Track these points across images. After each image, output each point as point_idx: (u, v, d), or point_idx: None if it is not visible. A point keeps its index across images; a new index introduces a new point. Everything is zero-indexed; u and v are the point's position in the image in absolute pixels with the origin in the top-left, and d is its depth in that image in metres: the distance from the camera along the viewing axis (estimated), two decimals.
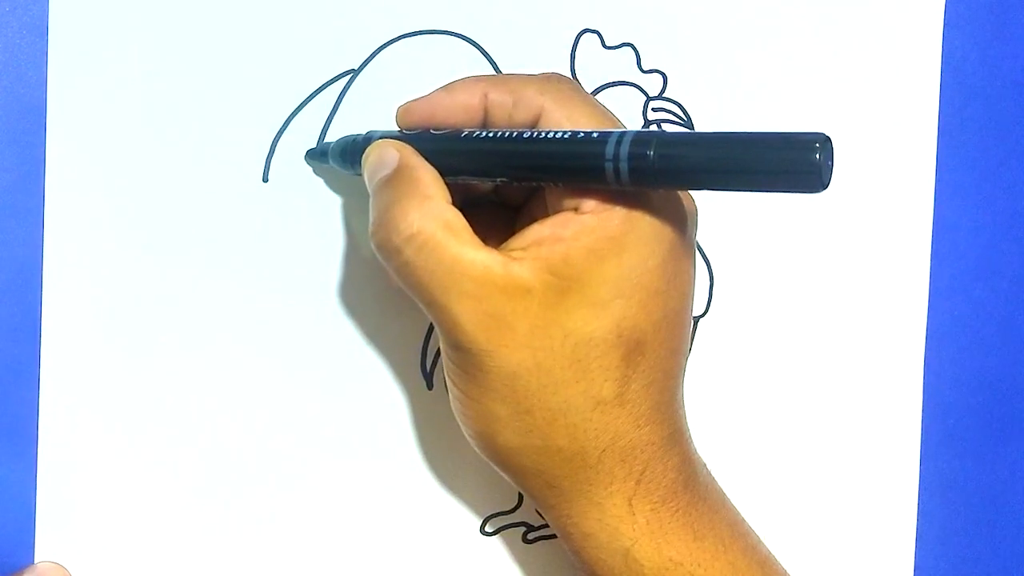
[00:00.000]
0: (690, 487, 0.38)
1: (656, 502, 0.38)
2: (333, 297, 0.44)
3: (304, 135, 0.43)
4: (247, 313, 0.43)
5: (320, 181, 0.43)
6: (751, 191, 0.34)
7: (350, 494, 0.44)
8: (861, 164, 0.47)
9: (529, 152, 0.36)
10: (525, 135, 0.36)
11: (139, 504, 0.42)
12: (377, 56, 0.43)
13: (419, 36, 0.44)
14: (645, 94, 0.46)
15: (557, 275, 0.35)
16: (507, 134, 0.37)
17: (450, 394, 0.39)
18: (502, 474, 0.39)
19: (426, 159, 0.38)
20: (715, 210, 0.46)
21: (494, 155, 0.37)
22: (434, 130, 0.39)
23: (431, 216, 0.36)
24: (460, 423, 0.39)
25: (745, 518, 0.41)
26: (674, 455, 0.38)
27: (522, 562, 0.45)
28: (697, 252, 0.46)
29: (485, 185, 0.41)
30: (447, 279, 0.36)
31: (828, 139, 0.31)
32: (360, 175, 0.40)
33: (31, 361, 0.41)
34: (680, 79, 0.46)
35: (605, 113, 0.38)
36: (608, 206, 0.35)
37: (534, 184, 0.38)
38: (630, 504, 0.37)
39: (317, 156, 0.43)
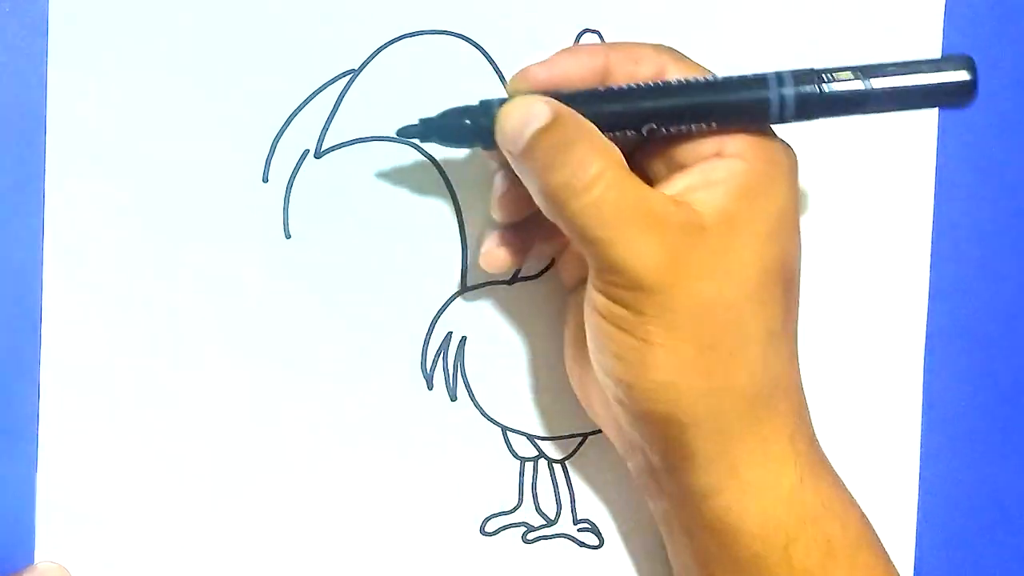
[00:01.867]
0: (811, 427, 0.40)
1: (808, 440, 0.39)
2: (333, 297, 0.44)
3: (304, 135, 0.43)
4: (247, 313, 0.43)
5: (320, 181, 0.43)
6: (910, 109, 0.38)
7: (350, 494, 0.44)
8: (861, 164, 0.47)
9: (686, 95, 0.38)
10: (674, 82, 0.38)
11: (139, 504, 0.42)
12: (377, 56, 0.43)
13: (419, 36, 0.44)
14: None
15: (723, 212, 0.37)
16: (654, 84, 0.38)
17: (617, 357, 0.37)
18: (652, 437, 0.38)
19: None
20: None
21: (646, 102, 0.38)
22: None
23: (612, 157, 0.37)
24: (625, 383, 0.37)
25: None
26: (803, 395, 0.39)
27: (522, 562, 0.45)
28: None
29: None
30: (635, 215, 0.36)
31: (972, 59, 0.37)
32: (472, 148, 0.40)
33: (31, 361, 0.41)
34: None
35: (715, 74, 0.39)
36: (749, 148, 0.37)
37: (679, 130, 0.38)
38: (792, 441, 0.38)
39: (415, 133, 0.41)
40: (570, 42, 0.45)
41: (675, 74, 0.38)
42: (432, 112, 0.41)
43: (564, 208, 0.37)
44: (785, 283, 0.38)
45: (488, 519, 0.45)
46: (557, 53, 0.40)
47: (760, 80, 0.38)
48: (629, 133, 0.38)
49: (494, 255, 0.42)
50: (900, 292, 0.48)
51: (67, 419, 0.42)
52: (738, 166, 0.37)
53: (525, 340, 0.45)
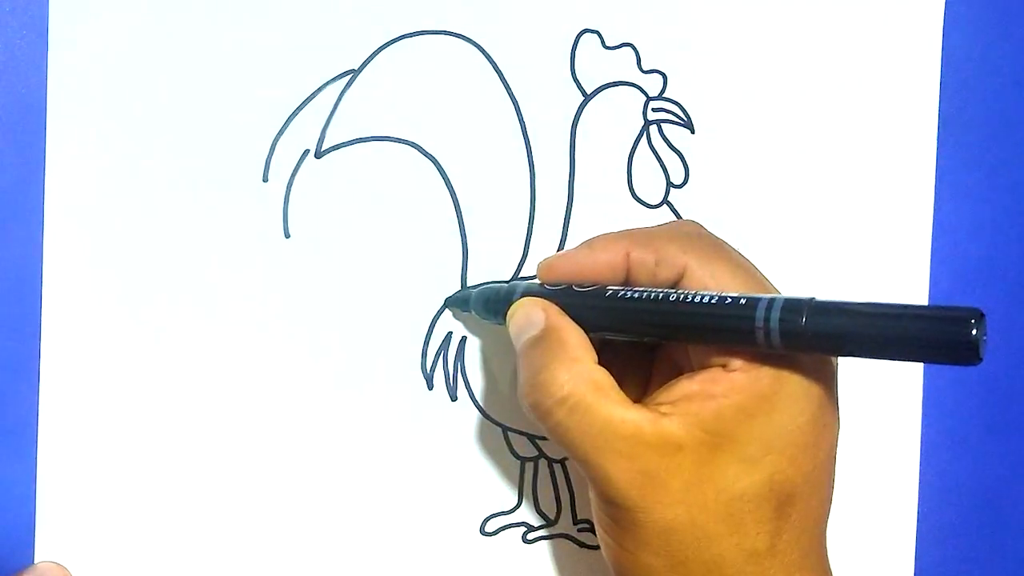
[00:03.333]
0: None
1: None
2: (333, 297, 0.44)
3: (304, 135, 0.43)
4: (247, 313, 0.43)
5: (321, 182, 0.43)
6: (904, 360, 0.35)
7: (350, 494, 0.44)
8: (861, 164, 0.47)
9: (676, 314, 0.37)
10: (671, 297, 0.37)
11: (139, 504, 0.42)
12: (377, 56, 0.43)
13: (419, 36, 0.44)
14: (645, 94, 0.46)
15: (709, 432, 0.36)
16: (653, 295, 0.37)
17: (601, 543, 0.39)
18: None
19: (571, 315, 0.38)
20: (718, 210, 0.46)
21: (641, 314, 0.38)
22: (576, 286, 0.39)
23: (580, 378, 0.37)
24: (613, 570, 0.39)
25: None
26: None
27: (522, 562, 0.45)
28: None
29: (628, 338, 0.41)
30: (599, 439, 0.36)
31: (982, 315, 0.32)
32: (501, 324, 0.41)
33: (31, 361, 0.41)
34: (680, 79, 0.46)
35: (749, 270, 0.39)
36: (757, 365, 0.36)
37: (679, 343, 0.39)
38: None
39: (458, 303, 0.44)
40: (569, 42, 0.45)
41: (695, 277, 0.38)
42: (430, 114, 0.41)
43: (540, 424, 0.38)
44: (778, 504, 0.37)
45: (488, 519, 0.45)
46: (578, 246, 0.40)
47: (750, 306, 0.35)
48: (645, 340, 0.39)
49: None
50: (900, 292, 0.48)
51: (67, 419, 0.42)
52: (739, 382, 0.36)
53: None
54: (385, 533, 0.44)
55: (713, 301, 0.36)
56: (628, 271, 0.39)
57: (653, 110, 0.46)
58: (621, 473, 0.36)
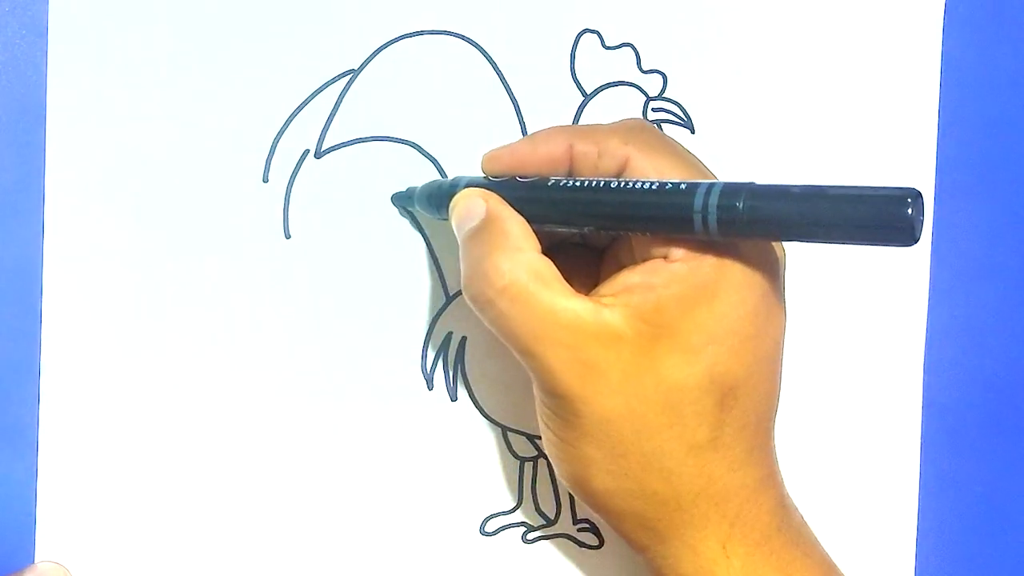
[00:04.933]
0: (783, 530, 0.38)
1: (750, 545, 0.38)
2: (333, 297, 0.44)
3: (304, 135, 0.43)
4: (247, 313, 0.43)
5: (321, 182, 0.43)
6: (840, 243, 0.34)
7: (350, 494, 0.44)
8: (861, 164, 0.47)
9: (616, 202, 0.36)
10: (612, 185, 0.37)
11: (139, 504, 0.42)
12: (377, 56, 0.43)
13: (419, 36, 0.44)
14: (645, 94, 0.46)
15: (649, 323, 0.36)
16: (593, 183, 0.37)
17: (544, 438, 0.39)
18: (596, 515, 0.40)
19: (513, 207, 0.38)
20: None
21: (581, 204, 0.37)
22: (520, 177, 0.39)
23: (522, 267, 0.36)
24: (554, 466, 0.39)
25: (837, 564, 0.41)
26: (768, 498, 0.38)
27: (522, 562, 0.45)
28: None
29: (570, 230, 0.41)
30: (540, 329, 0.36)
31: (920, 194, 0.32)
32: (446, 220, 0.40)
33: (31, 361, 0.41)
34: (680, 79, 0.46)
35: (690, 160, 0.38)
36: (698, 254, 0.36)
37: (620, 233, 0.39)
38: (724, 547, 0.37)
39: (403, 199, 0.43)
40: (569, 42, 0.45)
41: (637, 168, 0.37)
42: (430, 114, 0.41)
43: (481, 315, 0.37)
44: (719, 396, 0.36)
45: (488, 519, 0.45)
46: (520, 140, 0.40)
47: (689, 192, 0.35)
48: (585, 230, 0.38)
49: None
50: (900, 292, 0.48)
51: (67, 419, 0.42)
52: (679, 272, 0.36)
53: None
54: (385, 533, 0.44)
55: (652, 188, 0.36)
56: (571, 163, 0.39)
57: (653, 110, 0.46)
58: (561, 363, 0.36)
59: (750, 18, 0.46)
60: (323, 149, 0.43)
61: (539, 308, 0.36)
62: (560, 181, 0.38)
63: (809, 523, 0.41)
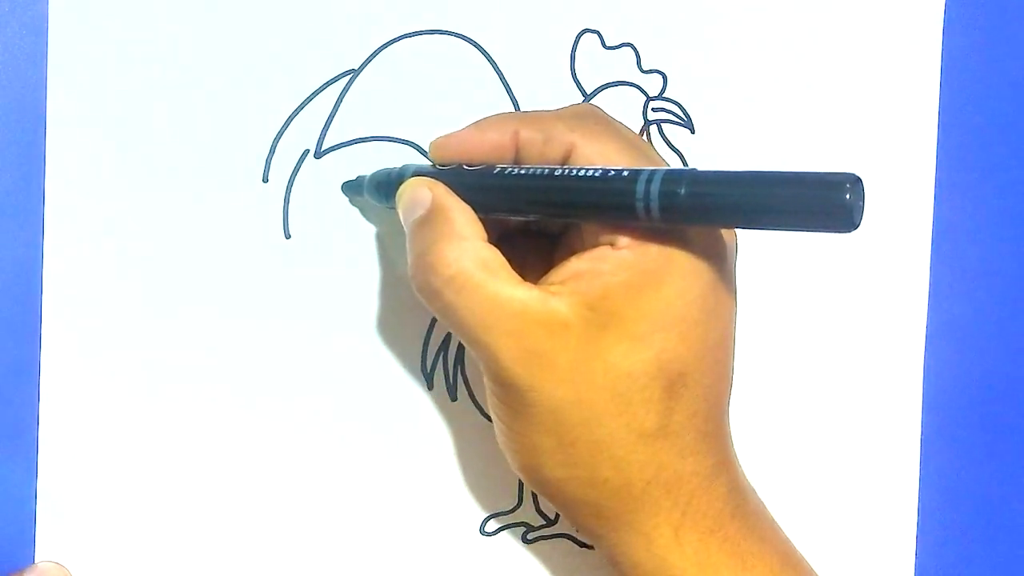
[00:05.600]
0: (738, 516, 0.38)
1: (703, 532, 0.38)
2: (333, 297, 0.44)
3: (304, 135, 0.43)
4: (247, 313, 0.43)
5: (321, 182, 0.43)
6: (782, 230, 0.34)
7: (350, 494, 0.44)
8: (861, 164, 0.47)
9: (560, 190, 0.36)
10: (556, 172, 0.36)
11: (139, 504, 0.42)
12: (377, 56, 0.43)
13: (419, 36, 0.44)
14: (645, 94, 0.46)
15: (596, 310, 0.35)
16: (538, 171, 0.37)
17: (495, 427, 0.39)
18: (551, 504, 0.40)
19: (460, 195, 0.38)
20: None
21: (526, 192, 0.37)
22: (467, 165, 0.39)
23: (468, 256, 0.36)
24: (506, 455, 0.39)
25: (796, 547, 0.41)
26: (720, 484, 0.38)
27: (522, 562, 0.45)
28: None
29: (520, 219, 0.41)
30: (488, 318, 0.36)
31: (859, 179, 0.32)
32: (394, 208, 0.40)
33: (31, 361, 0.41)
34: (680, 79, 0.46)
35: (637, 145, 0.38)
36: (644, 240, 0.35)
37: (566, 221, 0.38)
38: (677, 534, 0.37)
39: (353, 188, 0.43)
40: (569, 42, 0.45)
41: (582, 155, 0.37)
42: (430, 114, 0.41)
43: (429, 305, 0.37)
44: (667, 383, 0.36)
45: (488, 519, 0.45)
46: (467, 126, 0.40)
47: (631, 179, 0.35)
48: (532, 218, 0.38)
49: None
50: (900, 292, 0.48)
51: (67, 419, 0.42)
52: (626, 259, 0.36)
53: None
54: (385, 533, 0.44)
55: (596, 175, 0.35)
56: (517, 150, 0.39)
57: (653, 110, 0.46)
58: (509, 352, 0.36)
59: (750, 18, 0.46)
60: (323, 149, 0.43)
61: (486, 297, 0.36)
62: (506, 169, 0.38)
63: (807, 523, 0.41)
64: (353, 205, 0.44)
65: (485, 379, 0.38)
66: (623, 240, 0.36)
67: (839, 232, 0.32)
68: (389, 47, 0.44)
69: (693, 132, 0.46)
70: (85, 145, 0.41)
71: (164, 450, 0.43)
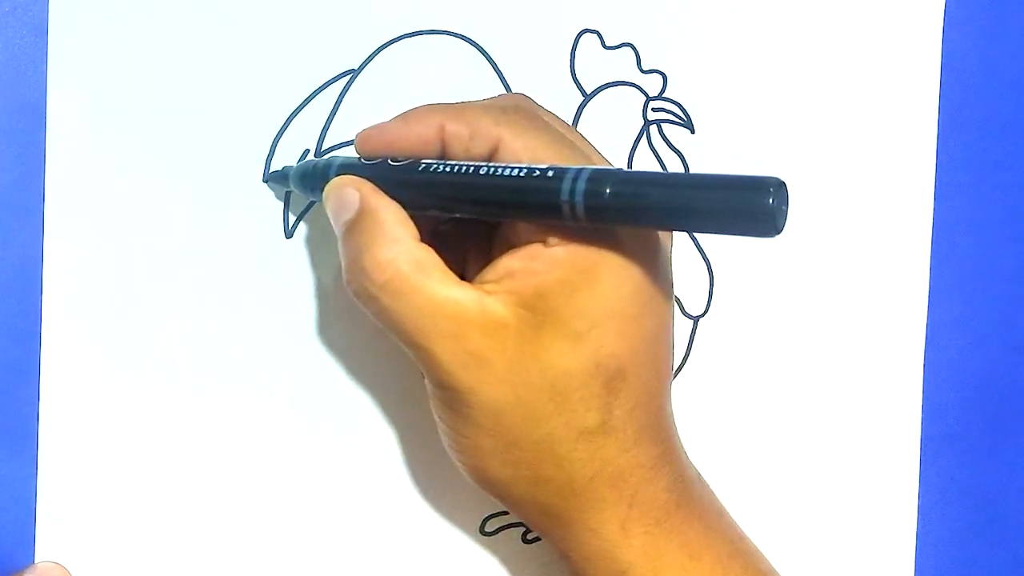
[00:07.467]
0: (684, 506, 0.38)
1: (650, 524, 0.38)
2: (333, 297, 0.44)
3: (304, 135, 0.43)
4: (246, 313, 0.43)
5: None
6: (706, 232, 0.34)
7: (350, 494, 0.44)
8: (861, 164, 0.47)
9: (485, 188, 0.36)
10: (481, 171, 0.36)
11: (139, 504, 0.42)
12: (377, 56, 0.43)
13: (419, 36, 0.44)
14: (645, 94, 0.46)
15: (531, 309, 0.35)
16: (462, 168, 0.36)
17: (439, 430, 0.39)
18: (500, 504, 0.40)
19: (388, 193, 0.37)
20: None
21: (451, 190, 0.36)
22: (392, 160, 0.38)
23: (402, 259, 0.36)
24: (452, 457, 0.39)
25: (745, 533, 0.41)
26: (664, 476, 0.38)
27: (522, 562, 0.45)
28: (698, 252, 0.46)
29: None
30: (424, 321, 0.36)
31: (783, 184, 0.32)
32: (318, 201, 0.39)
33: (31, 361, 0.41)
34: (680, 79, 0.46)
35: (565, 140, 0.37)
36: (576, 238, 0.35)
37: (494, 219, 0.38)
38: (624, 528, 0.38)
39: (278, 179, 0.42)
40: (569, 42, 0.45)
41: (508, 151, 0.36)
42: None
43: (365, 310, 0.37)
44: (606, 380, 0.36)
45: (488, 519, 0.45)
46: (393, 119, 0.39)
47: (556, 178, 0.34)
48: (458, 215, 0.38)
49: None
50: (900, 292, 0.48)
51: (67, 419, 0.42)
52: (558, 256, 0.35)
53: None
54: (385, 533, 0.44)
55: (520, 174, 0.35)
56: (444, 144, 0.38)
57: (653, 110, 0.46)
58: (447, 354, 0.36)
59: (750, 18, 0.46)
60: (323, 149, 0.43)
61: (422, 300, 0.36)
62: (431, 165, 0.37)
63: (807, 523, 0.41)
64: (277, 199, 0.43)
65: (426, 382, 0.38)
66: (554, 238, 0.35)
67: (763, 236, 0.32)
68: (389, 47, 0.44)
69: (693, 132, 0.46)
70: (85, 145, 0.41)
71: (164, 450, 0.43)
